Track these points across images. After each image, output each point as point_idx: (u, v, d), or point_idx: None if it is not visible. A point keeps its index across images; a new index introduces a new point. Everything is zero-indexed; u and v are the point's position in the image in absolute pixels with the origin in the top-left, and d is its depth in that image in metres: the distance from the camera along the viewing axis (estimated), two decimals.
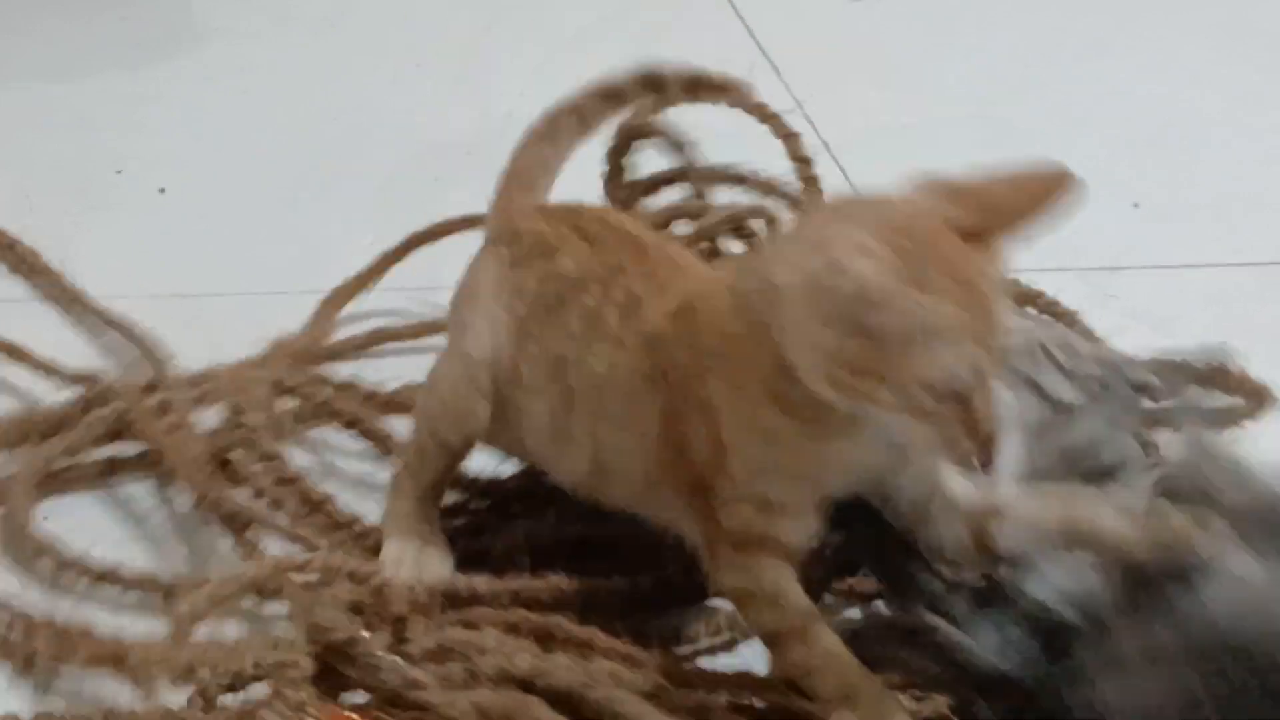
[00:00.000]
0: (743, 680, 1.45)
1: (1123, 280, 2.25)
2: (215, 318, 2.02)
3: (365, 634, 1.41)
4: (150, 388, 1.85)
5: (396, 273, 2.09)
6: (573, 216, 1.62)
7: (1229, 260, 2.33)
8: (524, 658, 1.41)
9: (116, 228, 2.27)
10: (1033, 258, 2.24)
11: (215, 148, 2.47)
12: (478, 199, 2.34)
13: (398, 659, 1.40)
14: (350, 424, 1.81)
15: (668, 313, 1.45)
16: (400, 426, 1.80)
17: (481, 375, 1.58)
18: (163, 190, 2.36)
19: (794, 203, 1.98)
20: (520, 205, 1.71)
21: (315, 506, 1.70)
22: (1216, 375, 1.90)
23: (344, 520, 1.69)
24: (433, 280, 2.00)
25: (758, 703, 1.42)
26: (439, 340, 1.95)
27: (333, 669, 1.41)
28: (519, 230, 1.63)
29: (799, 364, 1.31)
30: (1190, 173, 2.53)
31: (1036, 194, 1.34)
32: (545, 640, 1.46)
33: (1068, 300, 2.12)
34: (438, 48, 2.75)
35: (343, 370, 1.93)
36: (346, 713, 1.38)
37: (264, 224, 2.30)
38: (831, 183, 2.35)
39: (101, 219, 2.29)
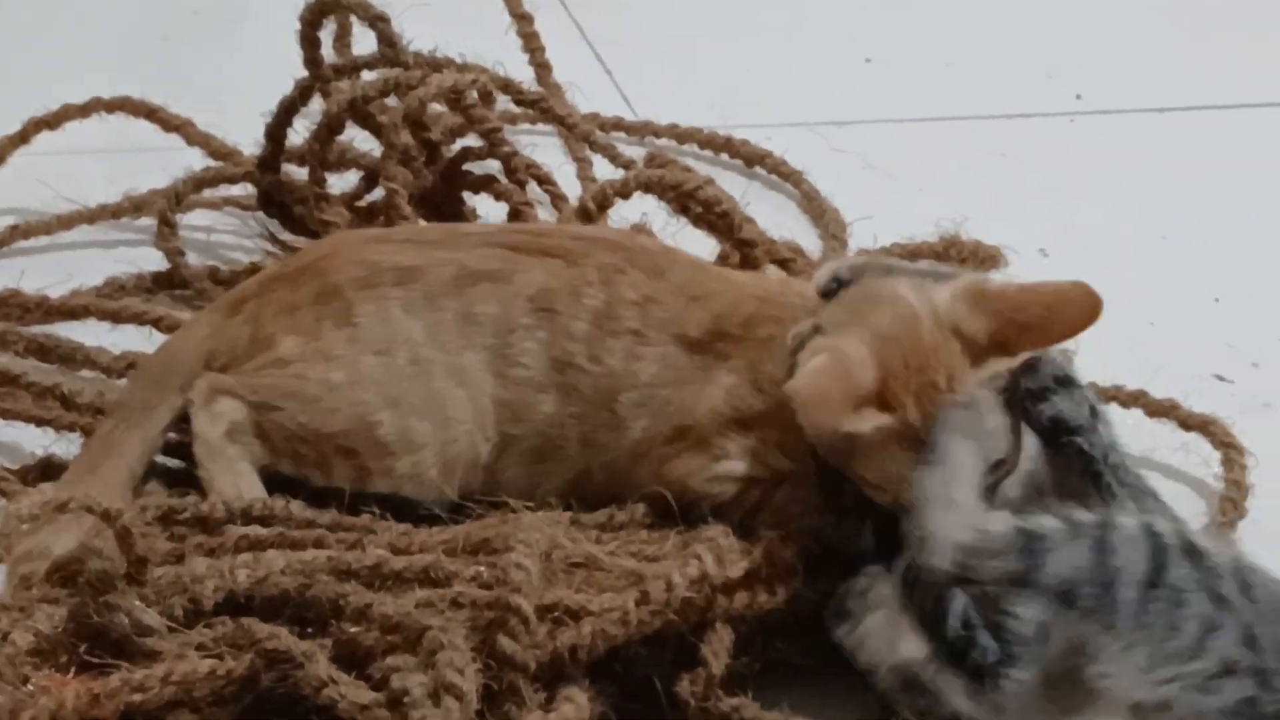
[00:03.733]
0: (470, 539, 1.46)
1: (851, 133, 2.29)
2: None
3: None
4: None
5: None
6: (485, 236, 1.63)
7: (955, 114, 2.37)
8: (242, 572, 1.40)
9: None
10: (765, 113, 2.30)
11: None
12: (208, 61, 2.33)
13: (139, 604, 1.38)
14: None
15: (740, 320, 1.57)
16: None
17: (465, 443, 1.56)
18: None
19: (506, 83, 1.98)
20: (347, 240, 1.70)
21: (47, 392, 1.67)
22: (950, 246, 1.95)
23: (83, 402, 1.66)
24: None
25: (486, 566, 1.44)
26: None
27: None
28: (406, 265, 1.59)
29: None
30: (921, 28, 2.57)
31: (1065, 319, 1.49)
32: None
33: (798, 155, 2.16)
34: None
35: None
36: (70, 678, 1.36)
37: None
38: (562, 39, 2.36)
39: None
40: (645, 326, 1.57)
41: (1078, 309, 1.49)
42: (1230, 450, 1.73)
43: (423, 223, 1.89)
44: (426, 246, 1.62)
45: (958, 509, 1.40)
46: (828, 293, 1.55)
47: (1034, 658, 1.38)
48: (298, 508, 1.52)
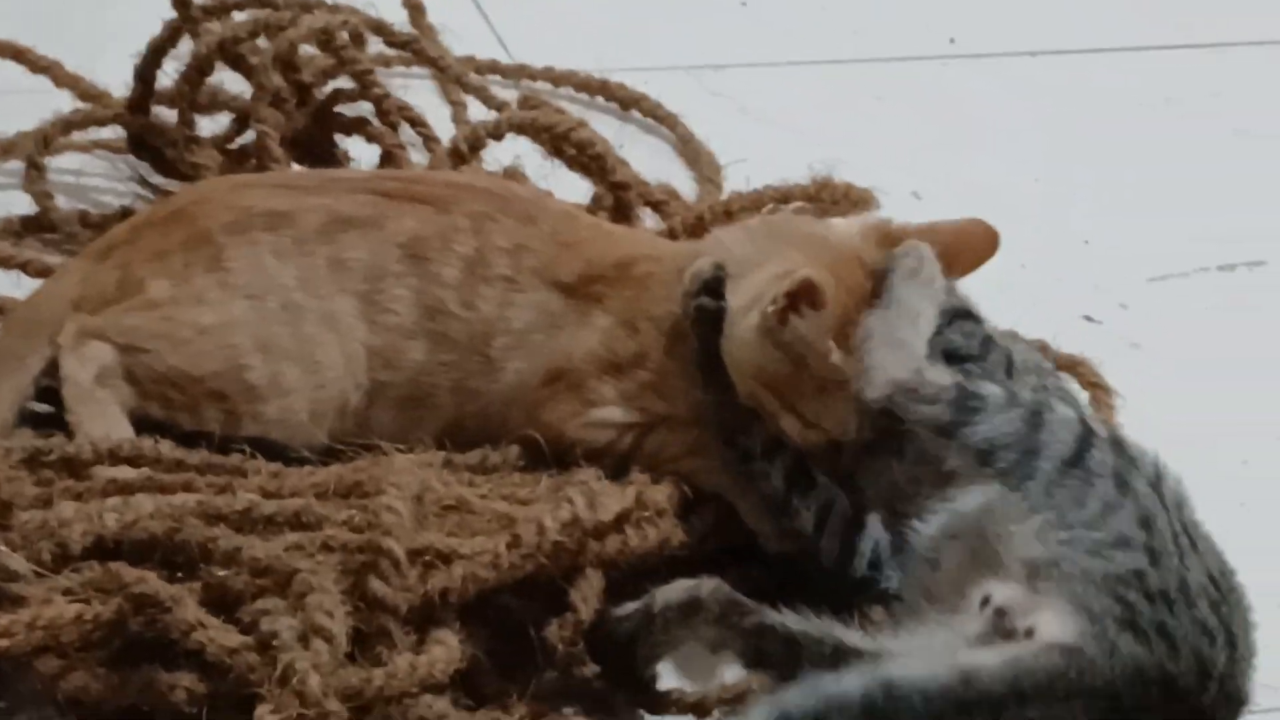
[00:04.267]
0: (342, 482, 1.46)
1: (727, 77, 2.29)
2: None
3: None
4: None
5: None
6: (357, 182, 1.63)
7: (830, 57, 2.38)
8: (110, 516, 1.39)
9: None
10: (641, 57, 2.30)
11: None
12: (78, 2, 2.30)
13: (4, 549, 1.36)
14: None
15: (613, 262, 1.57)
16: None
17: (334, 389, 1.56)
18: None
19: (378, 24, 1.98)
20: (218, 186, 1.69)
21: None
22: (822, 189, 1.95)
23: None
24: None
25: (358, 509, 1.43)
26: None
27: None
28: (276, 210, 1.58)
29: (732, 362, 1.49)
30: None
31: (964, 255, 1.54)
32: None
33: (673, 98, 2.16)
34: None
35: None
36: None
37: None
38: None
39: None
40: (517, 273, 1.57)
41: (978, 244, 1.54)
42: (1098, 390, 1.75)
43: (295, 166, 1.88)
44: (297, 192, 1.61)
45: (903, 349, 1.43)
46: None
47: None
48: (167, 448, 1.51)
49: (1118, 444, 1.39)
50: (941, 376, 1.42)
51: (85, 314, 1.56)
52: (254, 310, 1.55)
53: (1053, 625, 1.31)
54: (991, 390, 1.41)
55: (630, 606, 1.41)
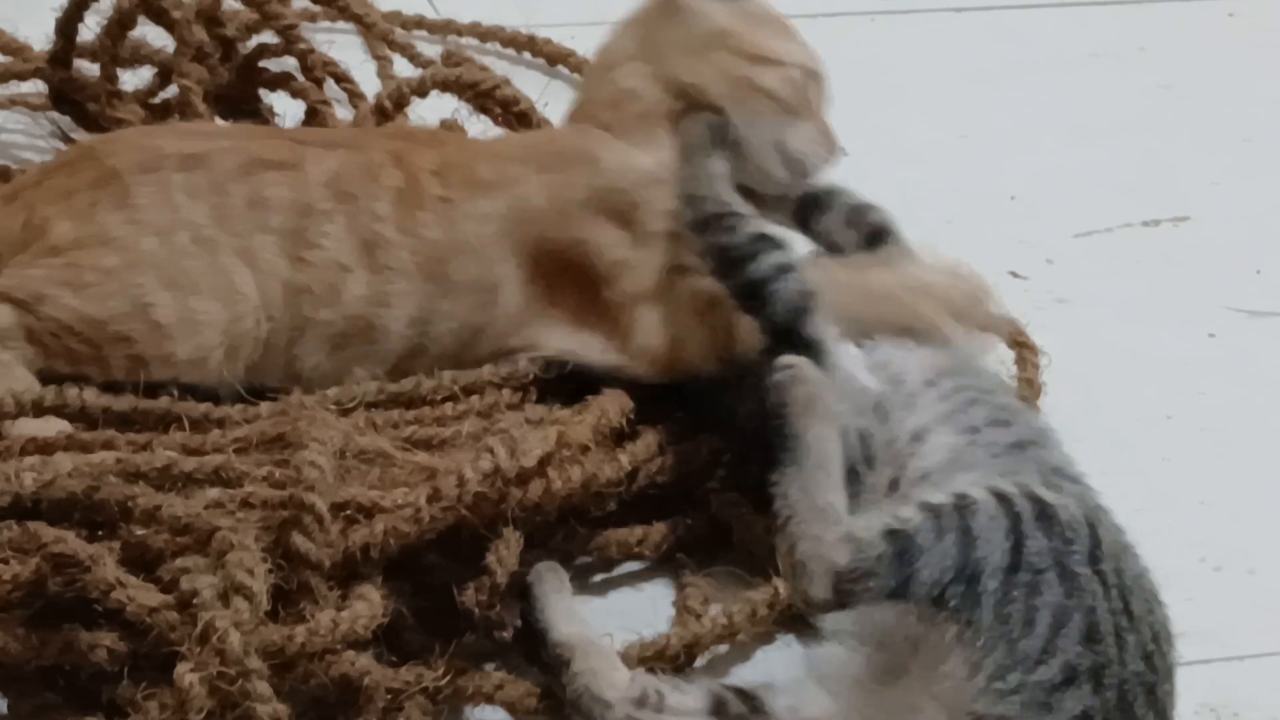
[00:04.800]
0: (264, 437, 1.45)
1: None
2: None
3: None
4: None
5: None
6: (271, 131, 1.68)
7: None
8: (28, 475, 1.37)
9: None
10: (567, 12, 2.29)
11: None
12: None
13: None
14: None
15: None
16: None
17: (251, 320, 1.53)
18: None
19: None
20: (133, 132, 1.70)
21: None
22: None
23: None
24: None
25: (279, 465, 1.41)
26: None
27: None
28: (190, 153, 1.56)
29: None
30: None
31: None
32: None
33: None
34: None
35: None
36: None
37: None
38: None
39: None
40: (448, 190, 1.56)
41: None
42: (1024, 349, 1.74)
43: (219, 121, 1.87)
44: (211, 137, 1.60)
45: (828, 519, 1.31)
46: None
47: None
48: (91, 395, 1.49)
49: (1043, 514, 1.30)
50: (870, 530, 1.29)
51: None
52: (162, 246, 1.52)
53: None
54: (913, 519, 1.29)
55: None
